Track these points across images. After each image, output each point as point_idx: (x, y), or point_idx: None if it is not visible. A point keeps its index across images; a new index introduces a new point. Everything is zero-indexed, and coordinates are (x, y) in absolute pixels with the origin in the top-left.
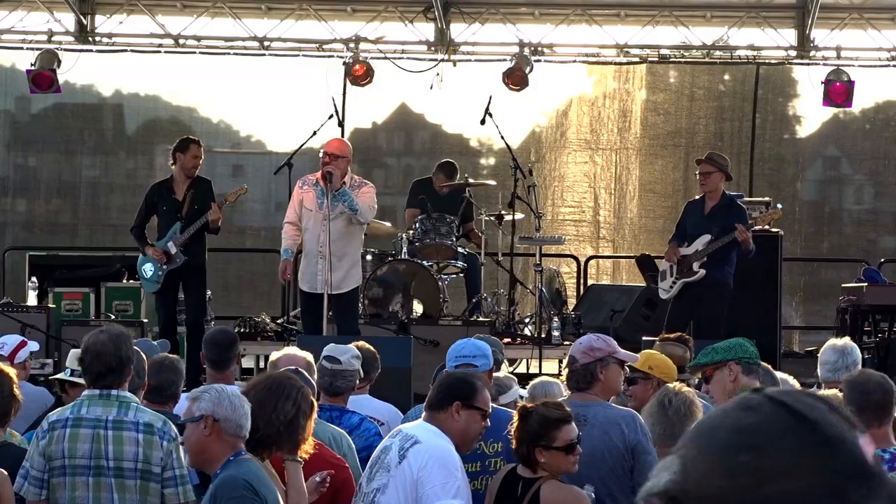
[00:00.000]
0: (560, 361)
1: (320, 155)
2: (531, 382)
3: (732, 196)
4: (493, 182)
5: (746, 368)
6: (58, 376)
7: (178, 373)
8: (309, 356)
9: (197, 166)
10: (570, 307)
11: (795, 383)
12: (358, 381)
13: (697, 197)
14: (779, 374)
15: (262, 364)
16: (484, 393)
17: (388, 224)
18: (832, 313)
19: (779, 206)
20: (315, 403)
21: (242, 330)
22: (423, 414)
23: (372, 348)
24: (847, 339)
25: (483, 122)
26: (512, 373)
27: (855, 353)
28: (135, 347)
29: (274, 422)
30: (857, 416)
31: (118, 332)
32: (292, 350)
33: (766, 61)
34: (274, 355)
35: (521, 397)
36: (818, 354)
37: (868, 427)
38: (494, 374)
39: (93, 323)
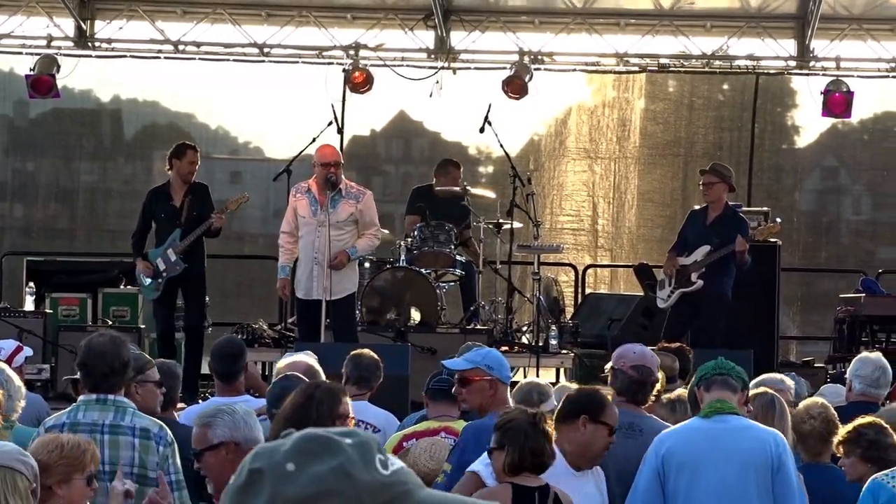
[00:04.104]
0: (557, 370)
1: (318, 163)
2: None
3: (735, 207)
4: (492, 194)
5: (706, 385)
6: (71, 377)
7: (176, 378)
8: (312, 360)
9: (193, 172)
10: (568, 316)
11: (789, 382)
12: None
13: (699, 207)
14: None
15: (260, 370)
16: (612, 409)
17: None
18: (829, 324)
19: (777, 219)
20: None
21: (240, 336)
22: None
23: (375, 356)
24: (880, 354)
25: (482, 130)
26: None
27: (890, 370)
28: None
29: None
30: None
31: (118, 336)
32: (297, 356)
33: (766, 71)
34: (280, 362)
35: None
36: (848, 368)
37: None
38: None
39: (90, 328)
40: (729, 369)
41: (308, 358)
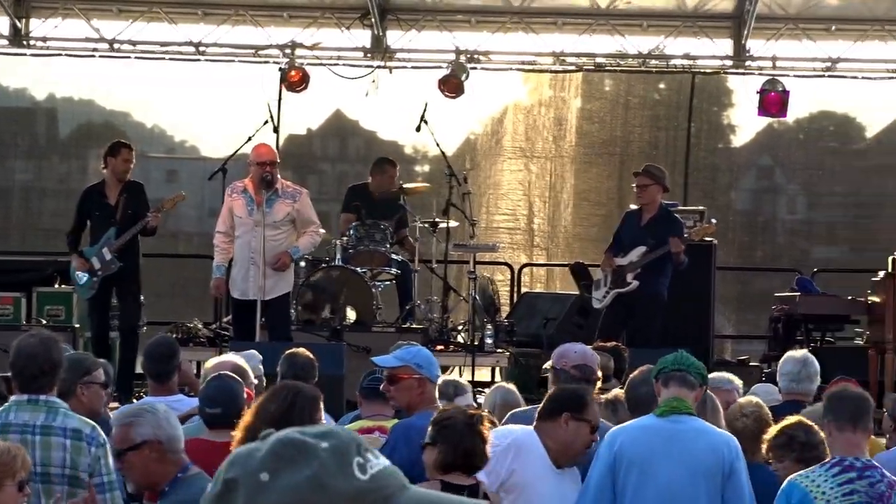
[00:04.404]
0: (493, 369)
1: (254, 162)
2: (489, 390)
3: (669, 209)
4: (428, 184)
5: (664, 380)
6: (3, 375)
7: (109, 378)
8: (240, 360)
9: (128, 170)
10: (504, 315)
11: (738, 382)
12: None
13: (635, 207)
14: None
15: (195, 370)
16: (593, 406)
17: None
18: (765, 322)
19: (713, 220)
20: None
21: (175, 336)
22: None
23: (310, 355)
24: (805, 351)
25: (418, 129)
26: None
27: (815, 364)
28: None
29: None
30: (840, 426)
31: (49, 336)
32: (228, 356)
33: (702, 70)
34: (209, 362)
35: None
36: (778, 366)
37: (846, 434)
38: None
39: (24, 328)
40: (688, 365)
41: (236, 357)
